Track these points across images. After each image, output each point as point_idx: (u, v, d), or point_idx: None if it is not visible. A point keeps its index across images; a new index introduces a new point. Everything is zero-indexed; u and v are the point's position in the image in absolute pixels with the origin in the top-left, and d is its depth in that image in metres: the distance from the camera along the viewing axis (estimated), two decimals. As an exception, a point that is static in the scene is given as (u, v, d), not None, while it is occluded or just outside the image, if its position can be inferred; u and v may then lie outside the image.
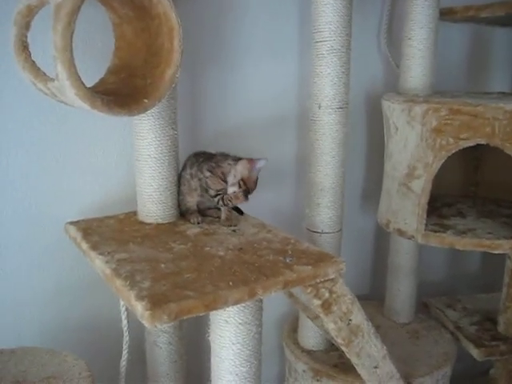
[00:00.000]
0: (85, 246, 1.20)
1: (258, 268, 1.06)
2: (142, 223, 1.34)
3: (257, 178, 1.26)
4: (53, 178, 1.38)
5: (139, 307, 0.91)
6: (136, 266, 1.07)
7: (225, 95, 1.57)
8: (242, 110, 1.60)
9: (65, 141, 1.38)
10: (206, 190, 1.29)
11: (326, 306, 1.17)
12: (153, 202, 1.32)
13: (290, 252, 1.15)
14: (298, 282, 1.05)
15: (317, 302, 1.16)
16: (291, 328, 1.74)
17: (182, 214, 1.37)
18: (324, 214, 1.51)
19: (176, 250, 1.16)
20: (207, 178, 1.27)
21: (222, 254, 1.14)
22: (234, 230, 1.25)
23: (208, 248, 1.17)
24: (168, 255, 1.13)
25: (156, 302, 0.92)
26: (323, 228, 1.51)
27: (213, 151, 1.35)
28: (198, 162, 1.31)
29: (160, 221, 1.33)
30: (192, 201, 1.33)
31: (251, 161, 1.25)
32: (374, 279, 2.05)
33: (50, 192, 1.39)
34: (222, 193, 1.27)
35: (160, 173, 1.31)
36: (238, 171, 1.24)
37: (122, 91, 1.13)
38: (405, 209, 1.52)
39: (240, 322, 1.05)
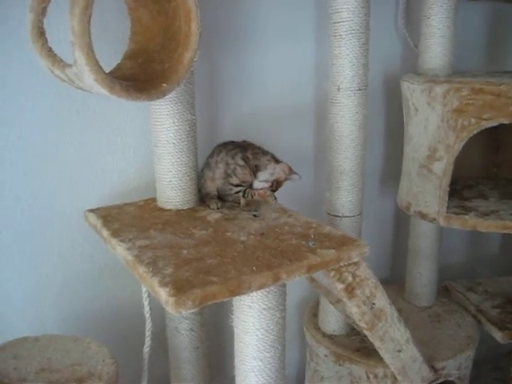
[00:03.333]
0: (105, 233, 1.19)
1: (281, 252, 1.05)
2: (161, 209, 1.33)
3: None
4: (71, 164, 1.38)
5: (163, 293, 0.91)
6: (158, 252, 1.07)
7: (242, 79, 1.55)
8: (259, 95, 1.58)
9: (82, 127, 1.37)
10: (229, 175, 1.27)
11: (350, 290, 1.16)
12: (172, 189, 1.31)
13: (312, 236, 1.13)
14: (321, 266, 1.04)
15: (340, 286, 1.15)
16: (312, 313, 1.73)
17: (202, 198, 1.36)
18: (344, 197, 1.49)
19: (197, 235, 1.15)
20: (239, 165, 1.26)
21: (243, 239, 1.13)
22: (254, 215, 1.24)
23: (229, 233, 1.16)
24: (189, 241, 1.12)
25: (180, 287, 0.91)
26: (343, 212, 1.50)
27: (238, 140, 1.33)
28: (226, 149, 1.30)
29: (180, 207, 1.32)
30: (213, 186, 1.32)
31: (291, 169, 1.25)
32: (395, 262, 2.03)
33: (68, 179, 1.38)
34: (245, 185, 1.26)
35: (179, 158, 1.30)
36: (276, 171, 1.24)
37: (139, 76, 1.12)
38: (426, 191, 1.50)
39: (264, 307, 1.05)
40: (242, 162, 1.26)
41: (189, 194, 1.33)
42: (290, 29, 1.58)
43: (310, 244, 1.10)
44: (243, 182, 1.26)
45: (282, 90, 1.61)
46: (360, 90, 1.40)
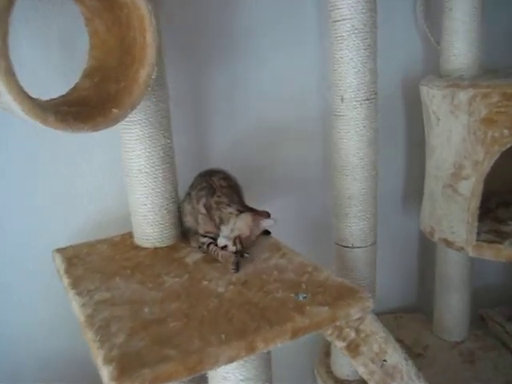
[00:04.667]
0: (66, 281, 1.02)
1: (262, 311, 0.86)
2: (137, 248, 1.16)
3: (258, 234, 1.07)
4: (38, 196, 1.21)
5: (105, 373, 0.73)
6: (115, 310, 0.89)
7: (235, 93, 1.35)
8: (256, 110, 1.38)
9: (48, 153, 1.20)
10: (196, 221, 1.10)
11: (353, 348, 0.96)
12: (148, 224, 1.14)
13: (304, 286, 0.94)
14: (311, 329, 0.84)
15: (341, 344, 0.95)
16: (324, 352, 1.53)
17: (184, 233, 1.17)
18: (354, 225, 1.28)
19: (168, 285, 0.97)
20: (201, 213, 1.08)
21: (221, 290, 0.94)
22: (235, 270, 1.02)
23: (206, 282, 0.97)
24: (157, 294, 0.94)
25: (126, 367, 0.73)
26: (353, 242, 1.29)
27: (224, 171, 1.14)
28: (197, 188, 1.11)
29: (158, 244, 1.15)
30: (193, 221, 1.13)
31: (256, 217, 1.04)
32: (422, 288, 1.80)
33: (37, 213, 1.22)
34: (210, 236, 1.07)
35: (154, 189, 1.12)
36: (236, 227, 1.03)
37: (92, 99, 0.95)
38: (451, 215, 1.27)
39: (241, 378, 0.86)
40: (203, 211, 1.08)
41: (167, 230, 1.15)
42: (289, 32, 1.38)
43: (301, 298, 0.90)
44: (207, 232, 1.08)
45: (282, 104, 1.40)
46: (367, 99, 1.19)
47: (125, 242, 1.19)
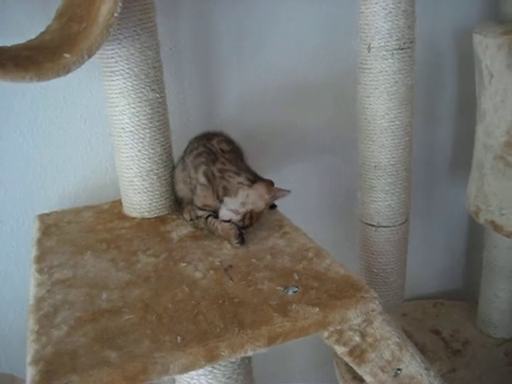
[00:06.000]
0: (33, 254, 0.90)
1: (236, 307, 0.70)
2: (124, 218, 1.02)
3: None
4: (26, 159, 1.09)
5: (28, 375, 0.60)
6: (71, 294, 0.76)
7: (246, 43, 1.16)
8: (269, 63, 1.19)
9: (34, 113, 1.07)
10: (192, 192, 0.94)
11: (358, 354, 0.79)
12: (135, 191, 0.99)
13: (296, 277, 0.76)
14: (293, 335, 0.67)
15: (341, 350, 0.78)
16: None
17: (179, 203, 1.02)
18: (381, 200, 1.08)
19: (140, 266, 0.83)
20: (199, 184, 0.92)
21: (198, 275, 0.79)
22: (240, 242, 0.86)
23: (184, 264, 0.82)
24: (123, 276, 0.80)
25: (53, 370, 0.60)
26: (379, 220, 1.09)
27: (223, 133, 0.98)
28: (194, 153, 0.95)
29: (146, 215, 1.00)
30: (188, 189, 0.98)
31: (271, 188, 0.88)
32: (469, 273, 1.57)
33: (25, 175, 1.10)
34: (208, 210, 0.91)
35: (140, 151, 0.97)
36: (250, 200, 0.87)
37: (54, 43, 0.79)
38: (501, 193, 1.05)
39: (209, 386, 0.70)
40: (203, 180, 0.91)
41: (157, 199, 1.00)
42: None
43: (290, 292, 0.73)
44: (205, 206, 0.91)
45: (301, 56, 1.20)
46: (401, 49, 0.97)
47: (112, 211, 1.05)
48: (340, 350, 0.78)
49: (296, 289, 0.73)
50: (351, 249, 1.20)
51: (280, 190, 0.88)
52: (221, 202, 0.88)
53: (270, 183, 0.89)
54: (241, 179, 0.88)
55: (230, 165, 0.91)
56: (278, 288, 0.74)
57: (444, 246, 1.54)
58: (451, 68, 1.35)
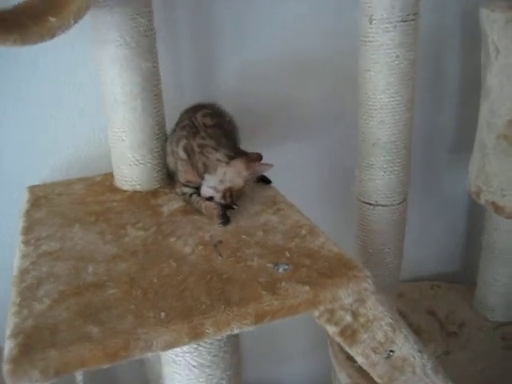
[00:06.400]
0: (20, 225, 0.88)
1: (224, 284, 0.68)
2: (115, 190, 0.99)
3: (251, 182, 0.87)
4: (16, 130, 1.06)
5: (6, 349, 0.58)
6: (56, 266, 0.74)
7: (247, 14, 1.12)
8: (270, 35, 1.15)
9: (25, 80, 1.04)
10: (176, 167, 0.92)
11: (349, 334, 0.77)
12: (126, 163, 0.97)
13: (287, 254, 0.74)
14: (281, 313, 0.65)
15: (332, 329, 0.76)
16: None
17: (170, 175, 1.00)
18: (378, 178, 1.05)
19: (128, 239, 0.81)
20: (180, 159, 0.90)
21: (186, 250, 0.77)
22: (223, 222, 0.84)
23: (173, 239, 0.80)
24: (110, 249, 0.78)
25: (32, 344, 0.59)
26: (377, 199, 1.07)
27: (215, 106, 0.95)
28: (180, 126, 0.92)
29: (138, 188, 0.98)
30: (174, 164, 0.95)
31: (250, 164, 0.84)
32: (467, 255, 1.55)
33: (15, 146, 1.07)
34: (191, 186, 0.89)
35: (131, 122, 0.94)
36: (228, 177, 0.84)
37: (42, 5, 0.76)
38: (503, 173, 1.03)
39: (194, 364, 0.69)
40: (182, 155, 0.89)
41: (149, 172, 0.98)
42: None
43: (281, 269, 0.71)
44: (188, 181, 0.89)
45: (302, 29, 1.16)
46: (404, 21, 0.93)
47: (104, 183, 1.03)
48: (331, 329, 0.76)
49: (286, 266, 0.71)
50: (348, 228, 1.18)
51: (261, 164, 0.84)
52: (201, 178, 0.86)
53: (250, 159, 0.85)
54: (219, 155, 0.85)
55: (210, 140, 0.87)
56: (268, 265, 0.72)
57: (443, 228, 1.52)
58: (455, 44, 1.30)
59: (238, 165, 0.84)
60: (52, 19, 0.68)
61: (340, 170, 1.27)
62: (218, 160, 0.85)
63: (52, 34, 0.68)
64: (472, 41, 1.25)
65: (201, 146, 0.87)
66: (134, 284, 0.68)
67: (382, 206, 1.07)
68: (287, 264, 0.72)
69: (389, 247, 1.10)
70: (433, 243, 1.50)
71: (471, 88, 1.30)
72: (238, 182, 0.84)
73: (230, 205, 0.85)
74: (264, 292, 0.66)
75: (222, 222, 0.83)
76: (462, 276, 1.54)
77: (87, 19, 0.73)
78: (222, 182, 0.85)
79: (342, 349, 1.26)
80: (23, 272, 0.73)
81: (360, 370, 1.20)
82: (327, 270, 0.70)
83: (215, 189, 0.85)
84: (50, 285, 0.69)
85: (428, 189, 1.44)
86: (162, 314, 0.62)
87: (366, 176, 1.06)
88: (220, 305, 0.63)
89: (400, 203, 1.08)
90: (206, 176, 0.86)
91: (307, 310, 0.67)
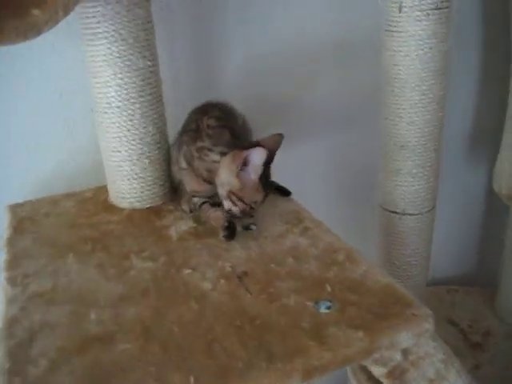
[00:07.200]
0: (4, 257, 0.75)
1: (261, 332, 0.56)
2: (110, 209, 0.87)
3: (260, 181, 0.72)
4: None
5: None
6: (51, 313, 0.62)
7: (250, 4, 1.00)
8: (281, 21, 1.03)
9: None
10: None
11: (398, 375, 0.66)
12: (124, 177, 0.84)
13: (328, 288, 0.63)
14: (333, 367, 0.54)
15: (379, 371, 0.65)
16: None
17: (175, 189, 0.87)
18: (406, 185, 0.94)
19: (134, 273, 0.68)
20: (182, 168, 0.79)
21: (207, 286, 0.65)
22: (226, 237, 0.72)
23: (189, 271, 0.68)
24: (115, 287, 0.65)
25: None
26: (405, 207, 0.96)
27: (226, 106, 0.83)
28: (187, 129, 0.80)
29: (137, 205, 0.85)
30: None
31: (237, 156, 0.70)
32: (483, 258, 1.46)
33: None
34: (199, 196, 0.78)
35: (129, 131, 0.81)
36: (224, 179, 0.72)
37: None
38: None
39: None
40: (183, 163, 0.78)
41: (150, 186, 0.86)
42: None
43: (323, 308, 0.60)
44: (193, 191, 0.78)
45: (316, 14, 1.04)
46: (437, 9, 0.82)
47: (97, 199, 0.90)
48: (378, 371, 0.65)
49: (329, 303, 0.60)
50: (366, 237, 1.07)
51: (249, 152, 0.69)
52: (209, 185, 0.75)
53: (238, 148, 0.71)
54: (213, 156, 0.74)
55: (209, 140, 0.75)
56: (307, 303, 0.60)
57: (458, 228, 1.42)
58: (477, 33, 1.20)
59: (226, 159, 0.72)
60: (36, 12, 0.54)
61: (356, 173, 1.16)
62: (214, 161, 0.74)
63: (36, 30, 0.55)
64: (493, 32, 1.15)
65: (199, 150, 0.75)
66: (150, 335, 0.56)
67: (410, 214, 0.96)
68: (329, 300, 0.60)
69: (416, 259, 1.00)
70: (447, 245, 1.41)
71: (491, 84, 1.20)
72: (232, 182, 0.71)
73: (247, 213, 0.73)
74: (310, 342, 0.54)
75: (224, 236, 0.72)
76: (479, 279, 1.45)
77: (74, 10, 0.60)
78: (222, 185, 0.73)
79: (362, 371, 1.16)
80: (11, 322, 0.60)
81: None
82: (379, 309, 0.59)
83: (223, 197, 0.73)
84: (45, 339, 0.57)
85: (442, 189, 1.34)
86: (191, 378, 0.50)
87: (393, 182, 0.96)
88: (260, 361, 0.52)
89: (429, 211, 0.97)
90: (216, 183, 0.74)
91: (362, 360, 0.56)
